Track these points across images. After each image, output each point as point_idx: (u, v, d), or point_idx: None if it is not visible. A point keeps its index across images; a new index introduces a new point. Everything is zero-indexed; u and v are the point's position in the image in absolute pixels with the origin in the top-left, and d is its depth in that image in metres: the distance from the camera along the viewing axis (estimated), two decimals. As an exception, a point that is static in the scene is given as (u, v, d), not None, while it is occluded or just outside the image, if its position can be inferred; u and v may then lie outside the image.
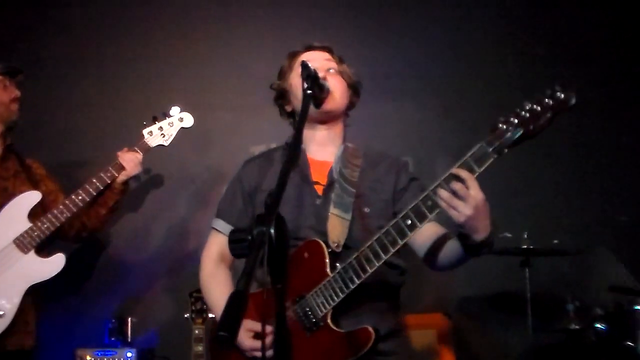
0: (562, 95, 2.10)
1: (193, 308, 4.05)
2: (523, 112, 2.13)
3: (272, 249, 1.74)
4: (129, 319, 4.63)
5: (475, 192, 2.16)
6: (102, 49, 5.16)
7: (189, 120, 4.30)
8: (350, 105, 2.91)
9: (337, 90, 2.76)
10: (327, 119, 2.81)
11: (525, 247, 4.13)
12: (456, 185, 2.17)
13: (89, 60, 5.15)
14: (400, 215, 2.33)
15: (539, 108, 2.11)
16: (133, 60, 5.12)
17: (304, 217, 2.69)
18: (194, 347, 4.00)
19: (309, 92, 2.47)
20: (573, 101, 2.11)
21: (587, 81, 4.78)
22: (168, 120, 4.26)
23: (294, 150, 2.19)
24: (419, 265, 2.78)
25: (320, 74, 2.60)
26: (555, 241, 4.44)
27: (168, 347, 4.62)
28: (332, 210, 2.66)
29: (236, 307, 1.58)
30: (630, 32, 5.02)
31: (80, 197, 3.99)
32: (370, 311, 2.57)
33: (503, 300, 4.67)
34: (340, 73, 2.84)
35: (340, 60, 2.89)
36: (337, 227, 2.62)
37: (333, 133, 2.85)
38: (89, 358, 4.27)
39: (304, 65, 2.49)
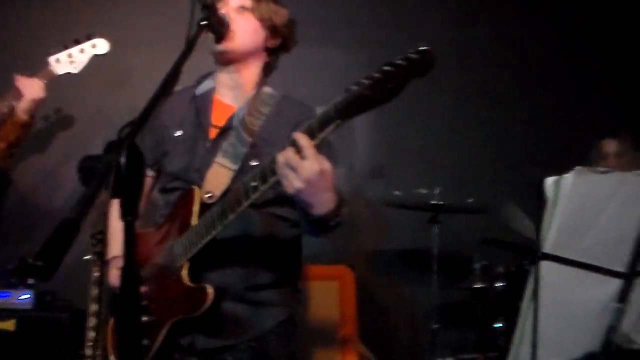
0: (417, 57, 1.81)
1: (94, 250, 3.89)
2: (376, 74, 1.82)
3: (120, 179, 1.59)
4: (29, 260, 4.42)
5: (309, 164, 1.91)
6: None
7: (103, 47, 3.97)
8: (271, 47, 2.67)
9: (241, 30, 2.54)
10: (227, 60, 2.59)
11: (434, 202, 4.07)
12: (289, 153, 1.94)
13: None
14: (249, 176, 2.14)
15: (392, 69, 1.81)
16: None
17: (194, 160, 2.53)
18: (91, 290, 3.86)
19: (203, 22, 2.32)
20: (430, 65, 1.82)
21: (504, 40, 4.78)
22: (79, 46, 3.96)
23: (166, 82, 2.03)
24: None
25: (224, 9, 2.48)
26: (470, 200, 4.40)
27: (70, 290, 4.43)
28: (218, 158, 2.47)
29: (62, 235, 1.43)
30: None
31: None
32: (241, 266, 2.44)
33: (411, 256, 4.65)
34: (253, 10, 2.59)
35: None
36: (217, 177, 2.44)
37: (241, 77, 2.63)
38: (-18, 299, 4.07)
39: (199, -7, 2.32)
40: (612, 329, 1.98)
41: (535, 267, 1.91)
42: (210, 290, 2.30)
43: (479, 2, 5.05)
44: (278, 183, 2.02)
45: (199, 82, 2.72)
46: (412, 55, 1.80)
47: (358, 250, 4.66)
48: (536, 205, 1.94)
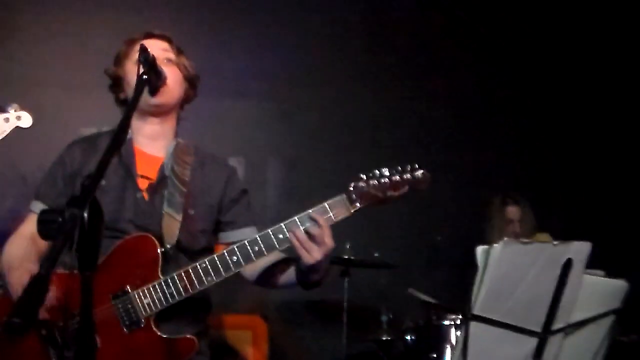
0: (421, 177, 2.35)
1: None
2: (384, 180, 2.32)
3: (83, 234, 1.63)
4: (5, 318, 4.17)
5: (329, 240, 2.26)
6: None
7: (27, 121, 3.94)
8: (186, 99, 2.79)
9: (173, 82, 2.63)
10: (159, 112, 2.68)
11: (346, 257, 4.21)
12: (314, 230, 2.24)
13: None
14: (249, 240, 2.34)
15: (398, 179, 2.33)
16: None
17: (124, 210, 2.57)
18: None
19: (144, 77, 2.35)
20: (428, 185, 2.38)
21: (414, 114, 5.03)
22: (3, 115, 3.89)
23: (118, 137, 2.06)
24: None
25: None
26: (376, 254, 4.58)
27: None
28: (166, 209, 2.56)
29: (36, 292, 1.46)
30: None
31: None
32: (186, 312, 2.50)
33: (321, 308, 4.75)
34: (177, 64, 2.71)
35: (178, 52, 2.76)
36: (171, 228, 2.54)
37: (165, 127, 2.73)
38: None
39: (142, 48, 2.38)
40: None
41: (465, 326, 2.07)
42: (195, 339, 2.40)
43: (386, 61, 5.29)
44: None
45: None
46: (417, 172, 2.36)
47: (271, 300, 4.72)
48: (468, 271, 2.12)
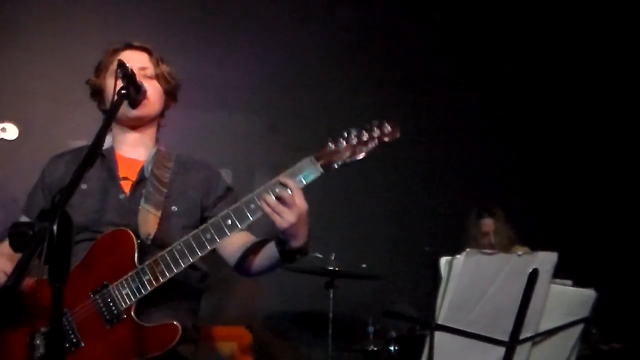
0: (389, 129, 2.32)
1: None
2: (352, 137, 2.30)
3: (52, 246, 1.67)
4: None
5: (300, 202, 2.24)
6: None
7: (12, 132, 3.97)
8: (166, 108, 2.84)
9: (153, 95, 2.68)
10: (139, 124, 2.74)
11: (331, 268, 4.25)
12: (283, 193, 2.23)
13: None
14: (221, 215, 2.33)
15: (366, 136, 2.30)
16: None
17: (106, 212, 2.60)
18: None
19: (122, 92, 2.40)
20: (397, 135, 2.33)
21: (408, 119, 5.06)
22: None
23: (93, 150, 2.11)
24: (225, 278, 2.78)
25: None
26: (363, 265, 4.62)
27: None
28: (143, 205, 2.59)
29: (1, 303, 1.50)
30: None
31: None
32: (171, 309, 2.51)
33: (307, 319, 4.78)
34: (157, 77, 2.75)
35: (158, 62, 2.78)
36: (147, 221, 2.56)
37: (145, 136, 2.78)
38: None
39: (120, 64, 2.42)
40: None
41: (430, 336, 2.11)
42: (177, 325, 2.35)
43: (376, 73, 5.35)
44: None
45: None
46: (385, 126, 2.33)
47: (256, 311, 4.76)
48: (431, 281, 2.16)
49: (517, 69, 5.68)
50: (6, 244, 2.64)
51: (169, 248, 2.37)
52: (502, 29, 5.60)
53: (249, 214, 2.30)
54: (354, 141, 2.31)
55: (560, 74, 5.67)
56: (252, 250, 2.59)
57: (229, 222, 2.31)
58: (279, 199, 2.24)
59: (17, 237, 1.75)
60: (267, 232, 2.46)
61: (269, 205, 2.25)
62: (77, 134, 4.49)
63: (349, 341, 4.45)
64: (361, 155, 2.31)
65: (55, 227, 1.69)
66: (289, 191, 2.24)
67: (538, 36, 5.63)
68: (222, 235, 2.33)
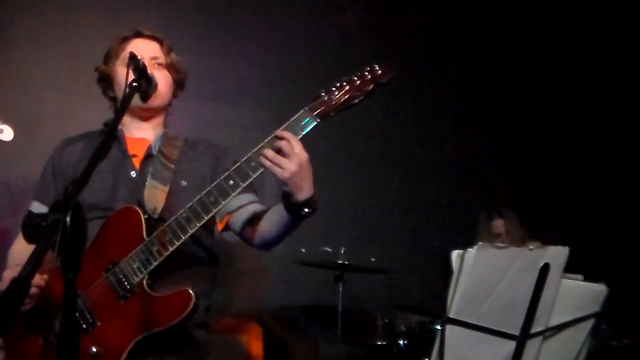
0: (380, 70, 2.35)
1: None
2: (344, 83, 2.32)
3: (65, 238, 1.68)
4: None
5: (299, 150, 2.23)
6: None
7: (8, 134, 4.03)
8: (174, 96, 2.86)
9: (163, 86, 2.70)
10: (149, 116, 2.77)
11: (340, 262, 4.25)
12: (281, 143, 2.23)
13: None
14: (223, 177, 2.32)
15: (358, 80, 2.33)
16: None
17: (118, 189, 2.61)
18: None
19: (134, 84, 2.40)
20: (389, 75, 2.36)
21: (418, 112, 5.07)
22: None
23: (106, 142, 2.11)
24: (235, 270, 2.77)
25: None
26: (372, 259, 4.62)
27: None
28: (149, 181, 2.61)
29: (16, 294, 1.51)
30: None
31: None
32: (185, 283, 2.44)
33: (316, 312, 4.79)
34: (167, 66, 2.77)
35: (168, 51, 2.81)
36: (154, 196, 2.56)
37: (154, 123, 2.81)
38: None
39: (132, 56, 2.43)
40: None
41: (441, 330, 2.11)
42: (191, 292, 2.32)
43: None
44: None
45: (106, 125, 2.80)
46: (376, 67, 2.36)
47: (265, 305, 4.77)
48: (443, 275, 2.16)
49: (532, 65, 5.68)
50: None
51: (174, 216, 2.37)
52: (516, 26, 5.59)
53: (249, 172, 2.29)
54: (347, 87, 2.32)
55: (577, 70, 5.66)
56: (261, 215, 2.61)
57: (231, 182, 2.30)
58: (277, 151, 2.24)
59: (31, 228, 1.76)
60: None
61: (268, 158, 2.24)
62: (90, 125, 4.48)
63: (359, 335, 4.46)
64: (358, 99, 2.33)
65: (68, 219, 1.70)
66: (285, 141, 2.24)
67: (554, 32, 5.62)
68: (225, 195, 2.31)
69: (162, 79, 2.69)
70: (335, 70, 5.00)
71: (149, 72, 2.50)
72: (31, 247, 2.54)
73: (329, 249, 4.35)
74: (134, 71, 2.43)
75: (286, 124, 2.29)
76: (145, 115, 2.76)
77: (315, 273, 4.41)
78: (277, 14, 5.16)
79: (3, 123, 3.91)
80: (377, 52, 5.27)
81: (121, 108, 2.37)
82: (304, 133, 2.28)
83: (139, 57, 2.45)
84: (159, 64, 2.75)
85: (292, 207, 2.34)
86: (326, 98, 2.32)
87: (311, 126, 2.29)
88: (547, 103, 5.70)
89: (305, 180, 2.28)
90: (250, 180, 2.31)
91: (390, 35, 5.40)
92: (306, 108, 2.31)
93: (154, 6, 4.90)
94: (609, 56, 5.67)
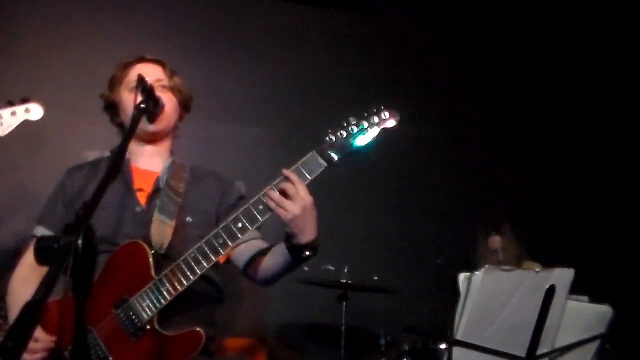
0: (387, 115, 2.38)
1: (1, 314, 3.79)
2: (351, 127, 2.35)
3: (77, 260, 1.70)
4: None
5: (304, 194, 2.26)
6: None
7: (37, 112, 3.81)
8: (179, 119, 2.88)
9: (169, 108, 2.72)
10: (155, 139, 2.78)
11: (343, 281, 4.26)
12: (286, 185, 2.26)
13: None
14: (231, 219, 2.34)
15: (366, 124, 2.35)
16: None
17: (122, 224, 2.62)
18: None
19: (142, 106, 2.44)
20: (396, 120, 2.40)
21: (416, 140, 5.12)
22: (11, 108, 3.79)
23: (114, 165, 2.13)
24: (238, 289, 2.79)
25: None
26: (375, 278, 4.62)
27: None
28: (157, 215, 2.62)
29: (29, 317, 1.52)
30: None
31: None
32: (191, 320, 2.50)
33: (319, 331, 4.78)
34: (172, 89, 2.79)
35: (172, 74, 2.82)
36: (161, 231, 2.58)
37: (161, 148, 2.82)
38: None
39: (140, 78, 2.46)
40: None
41: (448, 352, 2.12)
42: (201, 331, 2.37)
43: (385, 86, 5.36)
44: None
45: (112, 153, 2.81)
46: (383, 112, 2.38)
47: (268, 324, 4.77)
48: (450, 297, 2.17)
49: (534, 81, 5.69)
50: (29, 253, 2.71)
51: (183, 256, 2.39)
52: (518, 39, 5.62)
53: (258, 215, 2.32)
54: (354, 131, 2.35)
55: (579, 87, 5.66)
56: (264, 252, 2.63)
57: (240, 225, 2.34)
58: (282, 193, 2.27)
59: (43, 250, 1.78)
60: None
61: (273, 200, 2.27)
62: (91, 144, 4.50)
63: (362, 354, 4.46)
64: (364, 146, 2.36)
65: (80, 242, 1.72)
66: (290, 183, 2.26)
67: (560, 46, 5.63)
68: (234, 238, 2.35)
69: (168, 101, 2.70)
70: (342, 91, 5.15)
71: (156, 93, 2.53)
72: (27, 272, 2.65)
73: (332, 268, 4.35)
74: (142, 93, 2.46)
75: (293, 166, 2.31)
76: (152, 139, 2.77)
77: (318, 292, 4.41)
78: (282, 33, 5.20)
79: (32, 102, 3.74)
80: (382, 70, 5.31)
81: (130, 128, 2.38)
82: (311, 178, 2.32)
83: (146, 79, 2.47)
84: (163, 87, 2.76)
85: (294, 248, 2.38)
86: (334, 142, 2.34)
87: (318, 171, 2.32)
88: (548, 119, 5.70)
89: (308, 224, 2.31)
90: (258, 224, 2.34)
91: (395, 52, 5.44)
92: (314, 151, 2.33)
93: (159, 27, 4.95)
94: (611, 73, 5.68)
